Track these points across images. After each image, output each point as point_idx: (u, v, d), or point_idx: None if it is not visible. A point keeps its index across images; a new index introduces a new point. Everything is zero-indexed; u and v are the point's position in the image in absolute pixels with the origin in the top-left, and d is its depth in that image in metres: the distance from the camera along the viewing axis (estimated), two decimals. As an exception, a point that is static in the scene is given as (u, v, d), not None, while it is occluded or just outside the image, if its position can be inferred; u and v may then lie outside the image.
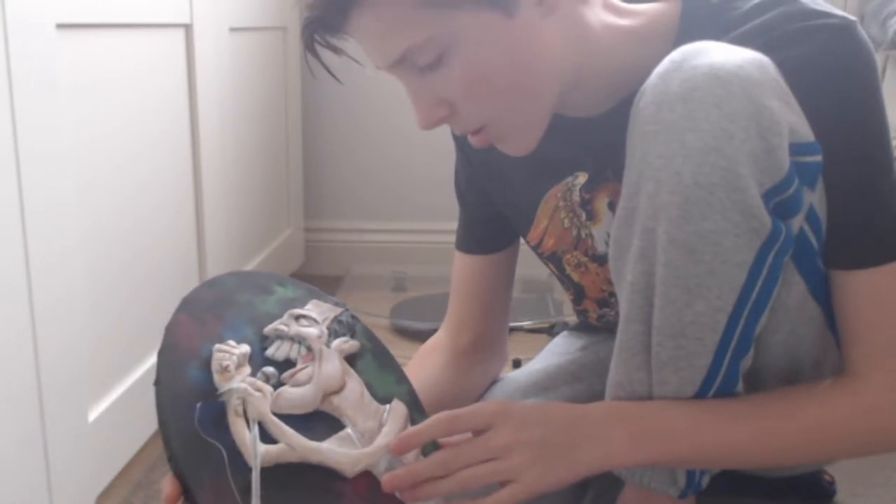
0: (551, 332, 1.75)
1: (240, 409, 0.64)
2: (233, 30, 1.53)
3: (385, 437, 0.70)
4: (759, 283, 0.66)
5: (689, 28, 0.75)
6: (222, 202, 1.48)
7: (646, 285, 0.68)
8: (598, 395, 0.92)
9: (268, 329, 0.72)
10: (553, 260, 0.91)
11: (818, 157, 0.67)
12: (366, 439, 0.69)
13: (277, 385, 0.68)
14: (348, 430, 0.69)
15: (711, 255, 0.64)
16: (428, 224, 2.22)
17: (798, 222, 0.68)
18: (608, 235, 0.84)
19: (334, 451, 0.67)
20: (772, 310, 0.70)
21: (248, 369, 0.67)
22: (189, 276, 1.36)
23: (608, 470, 0.73)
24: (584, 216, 0.85)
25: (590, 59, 0.74)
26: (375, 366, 0.77)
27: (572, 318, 1.38)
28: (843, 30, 0.68)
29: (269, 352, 0.71)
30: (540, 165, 0.85)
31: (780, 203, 0.65)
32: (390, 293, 2.06)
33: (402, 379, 0.78)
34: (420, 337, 1.64)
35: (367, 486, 0.68)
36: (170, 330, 0.67)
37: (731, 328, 0.68)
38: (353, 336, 0.76)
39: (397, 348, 0.84)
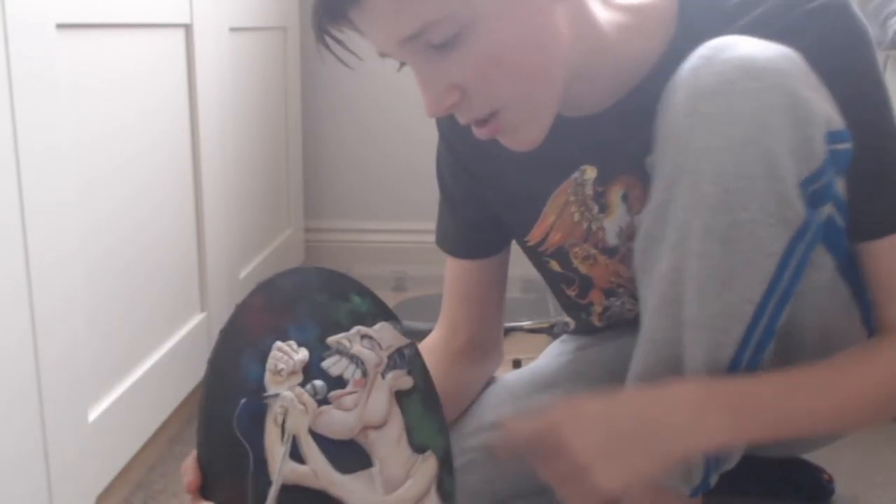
0: (551, 332, 1.75)
1: (279, 418, 0.64)
2: (233, 30, 1.53)
3: (408, 490, 0.69)
4: (788, 273, 0.68)
5: (688, 22, 0.76)
6: (222, 202, 1.48)
7: (676, 279, 0.69)
8: (600, 392, 0.92)
9: (331, 339, 0.71)
10: (558, 255, 0.91)
11: (849, 145, 0.68)
12: (389, 486, 0.69)
13: (322, 401, 0.68)
14: (374, 470, 0.68)
15: (746, 244, 0.66)
16: (428, 224, 2.21)
17: (827, 209, 0.69)
18: (620, 228, 0.85)
19: (356, 492, 0.66)
20: (803, 293, 0.71)
21: (300, 377, 0.66)
22: (189, 276, 1.36)
23: (697, 454, 0.71)
24: (596, 209, 0.85)
25: (593, 52, 0.74)
26: (422, 409, 0.74)
27: (572, 319, 1.38)
28: (842, 7, 0.70)
29: (326, 364, 0.70)
30: (542, 164, 0.84)
31: (815, 191, 0.67)
32: (390, 293, 2.06)
33: (443, 431, 0.76)
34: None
35: None
36: (242, 309, 0.66)
37: (757, 319, 0.69)
38: (410, 372, 0.74)
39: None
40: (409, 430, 0.72)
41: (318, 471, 0.65)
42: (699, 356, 0.69)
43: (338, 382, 0.69)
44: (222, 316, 1.48)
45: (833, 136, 0.67)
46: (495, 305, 0.99)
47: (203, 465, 0.62)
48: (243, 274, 1.64)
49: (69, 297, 0.98)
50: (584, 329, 1.03)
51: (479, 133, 0.73)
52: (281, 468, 0.63)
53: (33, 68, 0.89)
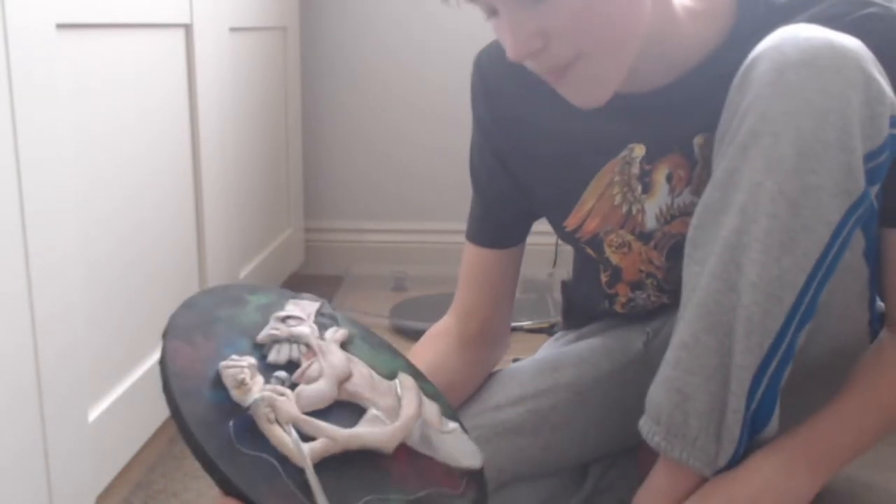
0: (551, 332, 1.75)
1: (271, 416, 0.65)
2: (233, 30, 1.53)
3: (407, 408, 0.73)
4: (837, 245, 0.70)
5: (748, 16, 0.80)
6: (222, 202, 1.48)
7: (737, 242, 0.71)
8: (603, 376, 0.93)
9: (261, 336, 0.73)
10: (593, 243, 0.92)
11: None
12: (391, 415, 0.72)
13: (292, 387, 0.69)
14: (373, 411, 0.72)
15: (811, 210, 0.69)
16: (428, 224, 2.22)
17: (875, 190, 0.73)
18: (660, 210, 0.86)
19: (370, 432, 0.69)
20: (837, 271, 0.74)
21: (261, 378, 0.68)
22: (189, 276, 1.36)
23: None
24: (639, 189, 0.87)
25: (663, 29, 0.77)
26: (368, 348, 0.80)
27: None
28: (892, 18, 0.75)
29: (271, 357, 0.72)
30: (591, 142, 0.87)
31: (870, 169, 0.70)
32: (390, 293, 2.06)
33: (396, 353, 0.82)
34: (420, 337, 1.64)
35: (407, 456, 0.71)
36: (167, 360, 0.68)
37: (806, 290, 0.71)
38: (339, 324, 0.79)
39: (398, 348, 0.85)
40: (373, 368, 0.76)
41: (332, 436, 0.67)
42: (757, 321, 0.71)
43: (293, 366, 0.72)
44: (222, 316, 1.48)
45: (894, 121, 0.71)
46: (509, 294, 1.01)
47: (238, 495, 0.62)
48: (243, 274, 1.64)
49: (69, 297, 0.98)
50: (579, 322, 1.05)
51: (552, 78, 0.76)
52: (302, 451, 0.64)
53: (33, 68, 0.89)
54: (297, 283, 2.10)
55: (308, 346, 0.73)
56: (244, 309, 0.76)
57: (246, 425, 0.64)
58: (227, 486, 0.62)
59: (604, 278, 0.95)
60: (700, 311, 0.73)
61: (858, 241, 0.76)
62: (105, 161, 1.08)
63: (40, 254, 0.91)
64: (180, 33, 1.29)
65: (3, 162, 0.85)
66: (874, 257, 0.79)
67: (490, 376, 0.98)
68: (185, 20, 1.29)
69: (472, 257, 0.99)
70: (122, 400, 1.12)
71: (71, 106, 0.99)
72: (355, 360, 0.75)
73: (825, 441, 0.76)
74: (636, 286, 0.93)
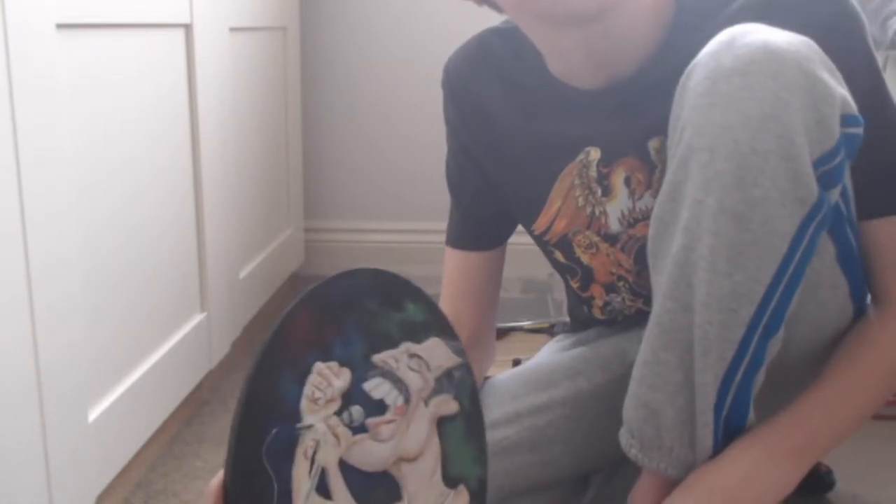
0: (551, 332, 1.75)
1: (310, 451, 0.62)
2: (233, 30, 1.53)
3: None
4: (798, 255, 0.68)
5: (686, 7, 0.78)
6: (222, 202, 1.48)
7: (685, 260, 0.69)
8: (598, 389, 0.92)
9: (377, 358, 0.67)
10: (562, 245, 0.91)
11: (860, 130, 0.69)
12: None
13: (359, 428, 0.65)
14: None
15: (759, 223, 0.66)
16: (428, 224, 2.22)
17: (836, 194, 0.70)
18: (622, 213, 0.85)
19: None
20: (805, 280, 0.71)
21: (338, 403, 0.64)
22: (189, 276, 1.36)
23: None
24: (599, 192, 0.86)
25: (619, 13, 0.75)
26: (463, 434, 0.71)
27: (572, 318, 1.38)
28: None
29: (368, 386, 0.66)
30: (550, 145, 0.86)
31: (825, 173, 0.67)
32: (390, 293, 2.06)
33: (481, 459, 0.73)
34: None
35: None
36: (286, 321, 0.63)
37: (766, 301, 0.69)
38: (457, 396, 0.70)
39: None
40: (446, 458, 0.69)
41: None
42: (712, 339, 0.69)
43: (378, 406, 0.66)
44: (222, 316, 1.48)
45: (847, 120, 0.68)
46: (492, 300, 1.00)
47: (227, 490, 0.60)
48: (243, 274, 1.64)
49: (69, 297, 0.98)
50: (584, 323, 1.04)
51: None
52: None
53: (33, 68, 0.89)
54: (297, 283, 2.10)
55: (407, 400, 0.67)
56: (390, 315, 0.69)
57: (287, 440, 0.61)
58: (225, 475, 0.60)
59: (575, 284, 0.94)
60: (657, 329, 0.72)
61: (827, 249, 0.74)
62: (105, 161, 1.08)
63: (40, 254, 0.91)
64: (180, 33, 1.29)
65: (3, 162, 0.85)
66: (855, 265, 0.77)
67: (484, 384, 0.98)
68: (185, 20, 1.29)
69: (454, 262, 0.98)
70: (122, 400, 1.12)
71: (71, 106, 0.98)
72: (434, 443, 0.68)
73: (806, 428, 0.74)
74: (610, 288, 0.92)
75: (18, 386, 0.90)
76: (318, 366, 0.63)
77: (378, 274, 0.69)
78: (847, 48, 0.71)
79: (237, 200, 1.59)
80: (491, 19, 0.91)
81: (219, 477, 0.63)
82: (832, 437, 0.75)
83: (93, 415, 1.05)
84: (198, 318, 1.38)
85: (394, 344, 0.68)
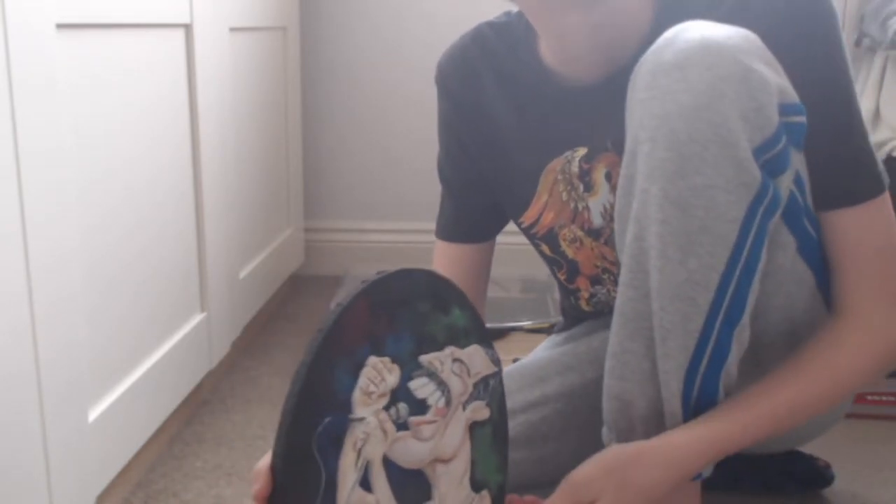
0: (551, 332, 1.75)
1: (359, 443, 0.62)
2: (233, 30, 1.53)
3: None
4: (749, 240, 0.69)
5: (667, 4, 0.80)
6: (222, 202, 1.48)
7: (639, 249, 0.70)
8: (590, 384, 0.93)
9: (424, 359, 0.68)
10: (549, 238, 0.92)
11: (803, 119, 0.71)
12: None
13: (402, 425, 0.66)
14: None
15: (704, 210, 0.67)
16: (428, 224, 2.22)
17: (786, 182, 0.71)
18: (604, 208, 0.86)
19: None
20: (768, 273, 0.73)
21: (387, 398, 0.65)
22: (189, 276, 1.36)
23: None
24: (581, 188, 0.87)
25: (613, 11, 0.78)
26: (490, 442, 0.74)
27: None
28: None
29: (413, 384, 0.67)
30: (541, 140, 0.87)
31: (768, 160, 0.69)
32: (390, 293, 2.06)
33: (503, 467, 0.76)
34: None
35: None
36: (345, 313, 0.64)
37: (724, 288, 0.69)
38: (489, 403, 0.73)
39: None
40: (473, 463, 0.71)
41: (381, 502, 0.63)
42: (668, 327, 0.70)
43: (420, 406, 0.67)
44: (222, 316, 1.48)
45: (787, 109, 0.70)
46: (482, 295, 1.02)
47: (276, 474, 0.60)
48: (243, 274, 1.64)
49: (69, 297, 0.98)
50: (575, 317, 1.05)
51: None
52: (350, 497, 0.61)
53: (33, 68, 0.89)
54: (297, 284, 2.10)
55: (448, 403, 0.69)
56: (440, 318, 0.70)
57: (339, 430, 0.62)
58: (274, 459, 0.60)
59: (561, 276, 0.96)
60: (621, 319, 0.73)
61: (788, 241, 0.75)
62: (105, 161, 1.08)
63: (40, 254, 0.91)
64: (180, 33, 1.29)
65: (3, 161, 0.85)
66: (817, 255, 0.77)
67: None
68: (185, 20, 1.29)
69: (444, 255, 0.99)
70: (122, 400, 1.12)
71: (71, 106, 0.99)
72: (466, 448, 0.70)
73: (736, 428, 0.74)
74: (595, 280, 0.93)
75: (18, 385, 0.90)
76: (373, 359, 0.64)
77: (431, 276, 0.70)
78: (807, 36, 0.73)
79: (237, 200, 1.59)
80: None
81: (266, 459, 0.62)
82: (767, 427, 0.75)
83: (93, 415, 1.05)
84: (198, 318, 1.38)
85: (438, 346, 0.69)
